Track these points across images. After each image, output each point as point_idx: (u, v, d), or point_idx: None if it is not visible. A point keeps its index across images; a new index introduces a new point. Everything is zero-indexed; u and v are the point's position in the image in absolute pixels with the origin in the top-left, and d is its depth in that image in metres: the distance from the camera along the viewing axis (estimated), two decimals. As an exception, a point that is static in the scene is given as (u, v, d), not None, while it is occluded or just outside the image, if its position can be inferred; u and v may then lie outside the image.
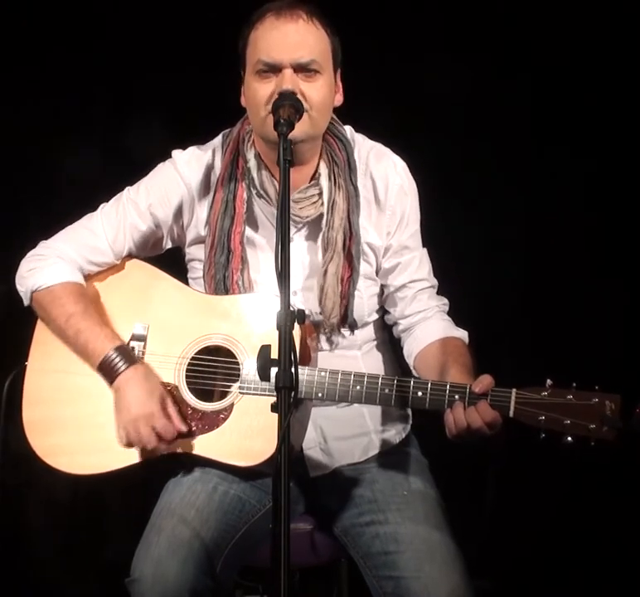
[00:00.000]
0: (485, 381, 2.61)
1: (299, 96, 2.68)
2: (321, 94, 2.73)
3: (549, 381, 2.58)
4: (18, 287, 2.94)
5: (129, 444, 2.77)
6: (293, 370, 2.27)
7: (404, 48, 3.75)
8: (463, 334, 2.90)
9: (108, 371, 2.79)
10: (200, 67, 3.76)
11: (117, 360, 2.78)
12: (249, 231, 2.87)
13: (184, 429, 2.75)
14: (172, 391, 2.82)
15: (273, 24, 2.73)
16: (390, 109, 3.73)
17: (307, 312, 2.78)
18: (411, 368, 2.92)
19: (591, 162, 3.75)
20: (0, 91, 3.78)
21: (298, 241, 2.87)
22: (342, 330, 2.88)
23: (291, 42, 2.71)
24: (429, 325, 2.91)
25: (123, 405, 2.76)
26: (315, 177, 2.85)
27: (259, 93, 2.72)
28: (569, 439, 2.55)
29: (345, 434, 2.90)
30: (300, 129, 2.66)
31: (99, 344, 2.80)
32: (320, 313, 2.83)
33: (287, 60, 2.70)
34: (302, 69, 2.71)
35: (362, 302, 2.90)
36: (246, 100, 2.80)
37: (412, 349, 2.91)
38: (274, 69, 2.70)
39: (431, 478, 2.90)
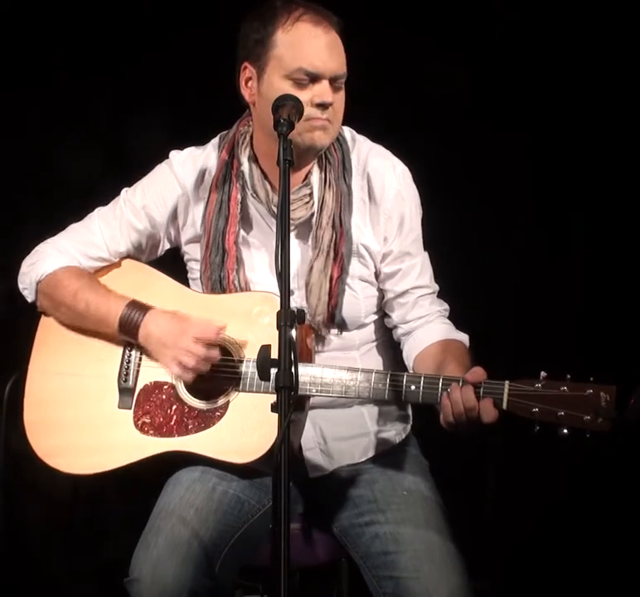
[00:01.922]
0: (478, 372, 2.61)
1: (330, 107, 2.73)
2: (343, 104, 2.78)
3: (543, 373, 2.58)
4: (20, 285, 2.96)
5: (185, 367, 2.75)
6: (292, 369, 2.28)
7: (404, 50, 3.75)
8: (463, 337, 2.89)
9: (128, 327, 2.82)
10: (200, 68, 3.76)
11: (133, 313, 2.81)
12: (244, 231, 2.88)
13: (222, 324, 2.76)
14: (168, 390, 2.83)
15: (311, 32, 2.73)
16: (389, 112, 3.72)
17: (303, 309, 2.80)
18: (410, 369, 2.90)
19: (590, 165, 3.75)
20: (0, 91, 3.78)
21: (291, 241, 2.86)
22: (331, 329, 2.87)
23: (332, 54, 2.74)
24: (429, 328, 2.90)
25: (158, 344, 2.79)
26: (307, 177, 2.86)
27: None
28: (565, 431, 2.54)
29: (344, 435, 2.90)
30: (328, 139, 2.75)
31: (111, 306, 2.83)
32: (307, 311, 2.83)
33: (328, 72, 2.72)
34: (334, 80, 2.74)
35: (358, 302, 2.89)
36: (265, 100, 2.75)
37: (412, 351, 2.90)
38: (314, 78, 2.72)
39: (431, 478, 2.90)
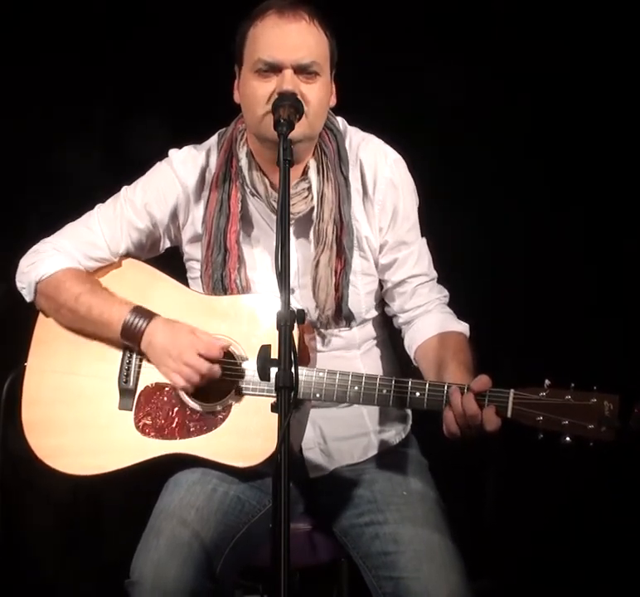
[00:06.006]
0: (483, 380, 2.61)
1: (298, 97, 2.68)
2: (319, 95, 2.73)
3: (547, 381, 2.58)
4: (19, 284, 2.95)
5: (187, 381, 2.75)
6: (292, 370, 2.27)
7: (404, 49, 3.75)
8: (463, 328, 2.89)
9: (132, 334, 2.80)
10: (199, 67, 3.76)
11: (136, 320, 2.80)
12: (244, 230, 2.88)
13: (224, 343, 2.76)
14: (170, 392, 2.82)
15: (275, 23, 2.72)
16: (389, 106, 3.72)
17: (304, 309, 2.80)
18: (412, 359, 2.91)
19: (591, 162, 3.75)
20: (0, 91, 3.78)
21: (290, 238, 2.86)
22: (339, 324, 2.87)
23: (293, 43, 2.70)
24: (429, 318, 2.91)
25: (162, 354, 2.78)
26: (305, 171, 2.84)
27: (258, 92, 2.72)
28: (568, 439, 2.54)
29: (344, 435, 2.90)
30: (298, 131, 2.66)
31: (114, 312, 2.82)
32: (316, 307, 2.83)
33: (288, 60, 2.70)
34: (302, 70, 2.71)
35: (359, 298, 2.89)
36: (242, 97, 2.79)
37: (412, 341, 2.91)
38: (275, 68, 2.70)
39: (431, 478, 2.90)
